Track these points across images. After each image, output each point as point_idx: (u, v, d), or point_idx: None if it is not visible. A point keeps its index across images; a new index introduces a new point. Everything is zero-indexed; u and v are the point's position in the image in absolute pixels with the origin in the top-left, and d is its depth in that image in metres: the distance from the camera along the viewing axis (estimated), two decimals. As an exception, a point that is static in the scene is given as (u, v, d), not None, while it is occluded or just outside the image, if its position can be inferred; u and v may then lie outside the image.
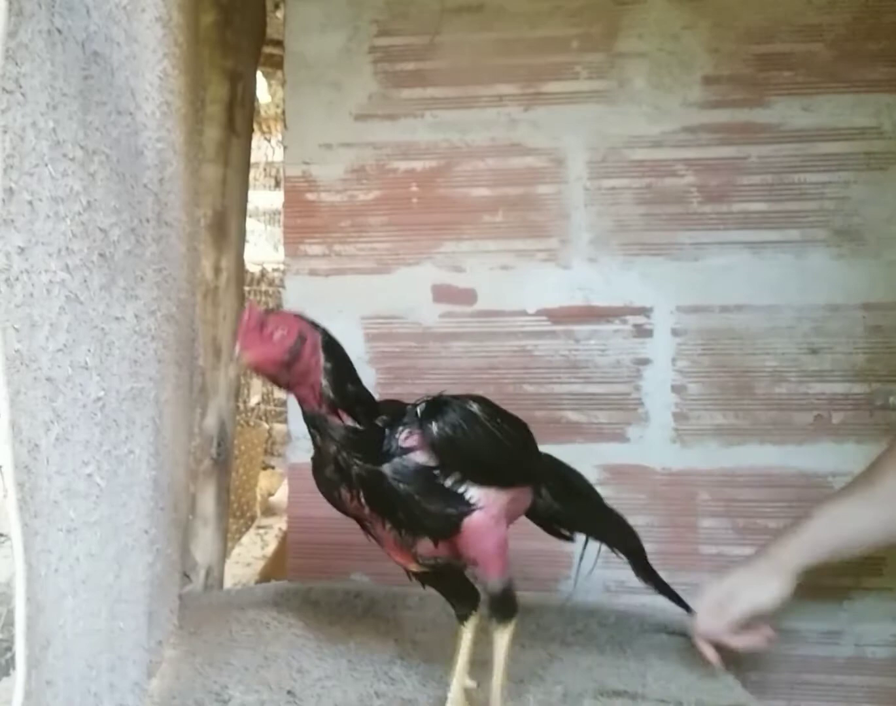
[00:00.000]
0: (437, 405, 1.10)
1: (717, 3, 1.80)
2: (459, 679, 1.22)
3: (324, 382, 1.06)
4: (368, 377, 1.88)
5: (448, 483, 1.09)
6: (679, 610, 1.45)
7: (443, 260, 1.87)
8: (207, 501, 1.90)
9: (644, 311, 1.82)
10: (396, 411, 1.13)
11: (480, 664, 1.27)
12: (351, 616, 1.63)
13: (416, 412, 1.10)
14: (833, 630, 1.78)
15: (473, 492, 1.10)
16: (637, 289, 1.82)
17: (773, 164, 1.79)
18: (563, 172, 1.84)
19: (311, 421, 1.09)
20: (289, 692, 1.29)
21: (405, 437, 1.09)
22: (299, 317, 1.09)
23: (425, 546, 1.12)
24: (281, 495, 4.70)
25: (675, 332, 1.81)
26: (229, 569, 2.42)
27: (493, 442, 1.13)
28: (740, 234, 1.80)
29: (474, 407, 1.13)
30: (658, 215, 1.82)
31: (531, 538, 1.29)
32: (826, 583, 1.76)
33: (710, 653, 1.36)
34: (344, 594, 1.71)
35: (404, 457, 1.08)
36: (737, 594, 1.34)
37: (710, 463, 1.80)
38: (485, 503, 1.11)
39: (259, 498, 4.76)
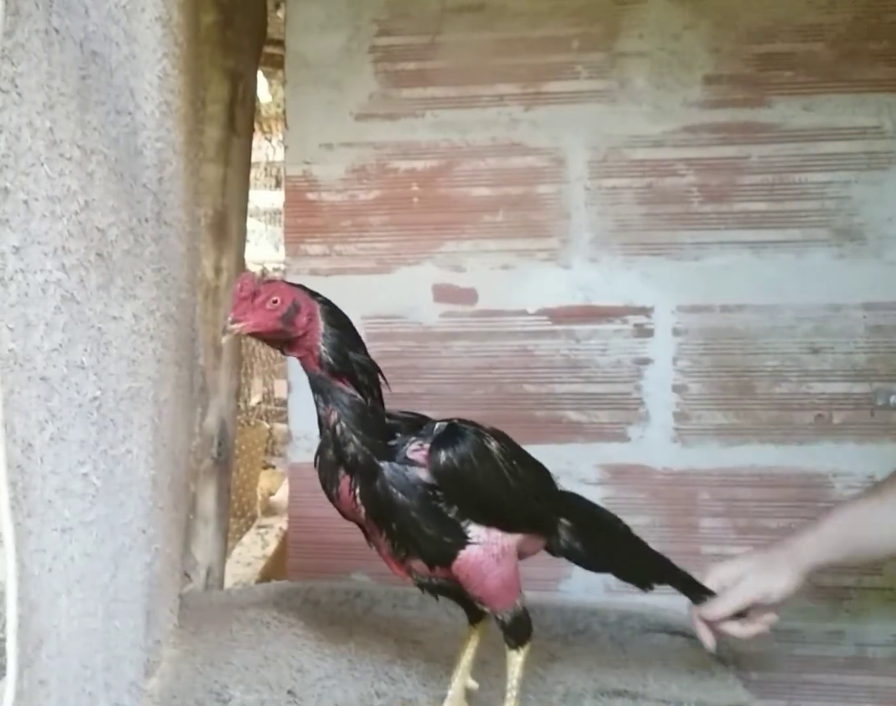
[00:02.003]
0: (453, 431, 1.08)
1: (718, 2, 1.80)
2: (462, 678, 1.21)
3: (323, 348, 1.05)
4: (369, 377, 1.88)
5: (447, 511, 1.07)
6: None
7: (443, 259, 1.87)
8: (208, 501, 1.90)
9: (645, 311, 1.82)
10: (414, 423, 1.11)
11: (481, 663, 1.27)
12: (351, 616, 1.63)
13: (433, 428, 1.08)
14: (834, 630, 1.78)
15: (473, 527, 1.08)
16: (638, 288, 1.82)
17: (773, 164, 1.79)
18: (564, 172, 1.84)
19: (314, 383, 1.07)
20: (289, 692, 1.28)
21: (414, 449, 1.07)
22: (295, 286, 1.08)
23: (420, 566, 1.11)
24: (281, 495, 4.70)
25: (675, 332, 1.81)
26: (230, 569, 2.43)
27: (501, 485, 1.10)
28: (741, 233, 1.80)
29: (492, 443, 1.09)
30: (659, 215, 1.82)
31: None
32: (826, 583, 1.76)
33: (708, 637, 1.29)
34: (344, 594, 1.71)
35: (407, 467, 1.06)
36: (744, 579, 1.27)
37: (711, 462, 1.79)
38: (485, 540, 1.08)
39: (260, 497, 4.75)
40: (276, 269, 6.91)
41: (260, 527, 4.25)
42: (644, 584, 1.29)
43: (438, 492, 1.06)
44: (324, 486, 1.11)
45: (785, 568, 1.27)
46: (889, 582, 1.76)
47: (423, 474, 1.06)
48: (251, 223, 3.29)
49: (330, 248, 1.89)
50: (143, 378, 1.18)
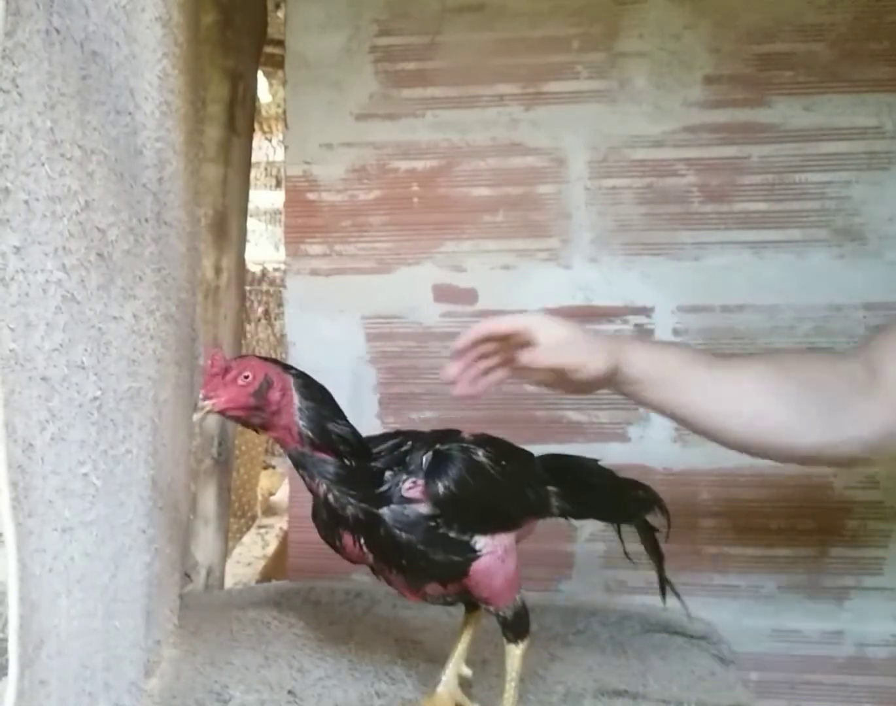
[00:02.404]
0: (441, 459, 1.08)
1: (718, 2, 1.80)
2: (456, 664, 1.22)
3: (300, 422, 1.04)
4: (369, 377, 1.88)
5: (452, 534, 1.08)
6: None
7: (444, 259, 1.87)
8: (208, 501, 1.90)
9: (645, 311, 1.82)
10: (398, 454, 1.10)
11: (481, 663, 1.27)
12: (352, 616, 1.63)
13: (421, 462, 1.08)
14: (834, 630, 1.78)
15: (479, 539, 1.09)
16: (638, 288, 1.82)
17: (774, 164, 1.79)
18: (564, 172, 1.84)
19: (296, 460, 1.07)
20: (289, 692, 1.28)
21: (409, 487, 1.07)
22: (267, 360, 1.08)
23: (434, 588, 1.11)
24: (282, 495, 4.70)
25: (676, 332, 1.81)
26: (230, 569, 2.43)
27: (498, 492, 1.12)
28: (741, 233, 1.80)
29: (479, 454, 1.10)
30: (659, 215, 1.82)
31: (531, 539, 1.28)
32: (826, 584, 1.77)
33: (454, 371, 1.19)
34: (345, 594, 1.71)
35: (406, 506, 1.06)
36: (568, 345, 1.14)
37: (711, 463, 1.79)
38: (491, 547, 1.09)
39: (260, 497, 4.75)
40: (276, 269, 6.93)
41: (260, 527, 4.24)
42: (626, 519, 1.34)
43: (439, 520, 1.07)
44: (325, 539, 1.12)
45: (604, 354, 1.15)
46: (889, 582, 1.76)
47: (422, 508, 1.07)
48: (251, 223, 3.29)
49: (330, 248, 1.89)
50: (143, 378, 1.18)
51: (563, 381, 1.15)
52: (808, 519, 1.79)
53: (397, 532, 1.06)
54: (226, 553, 2.02)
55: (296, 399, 1.05)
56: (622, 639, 1.57)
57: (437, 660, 1.36)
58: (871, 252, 1.76)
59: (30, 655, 0.75)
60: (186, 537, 1.74)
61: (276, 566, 3.33)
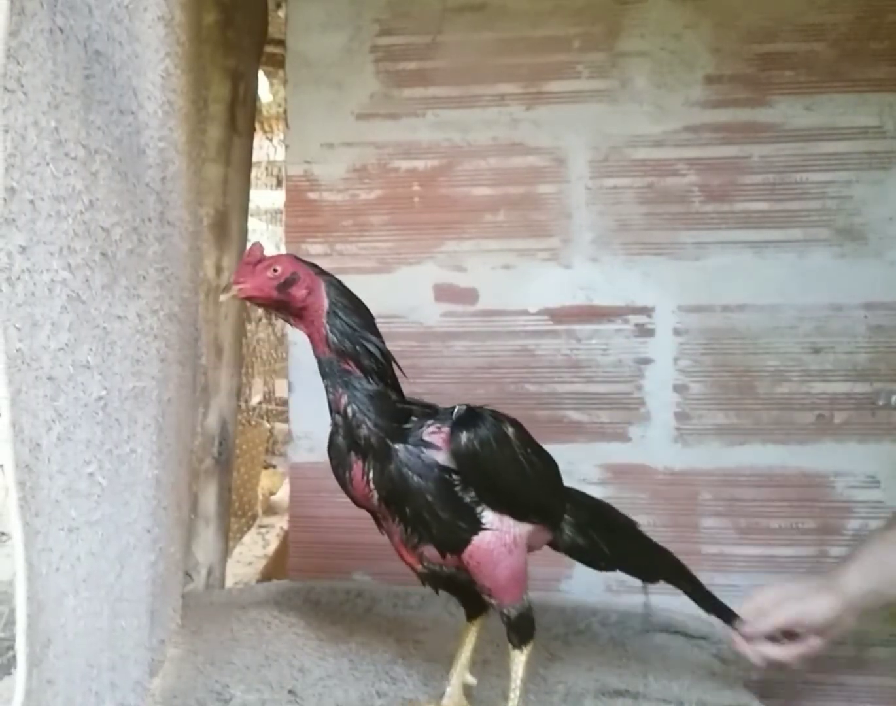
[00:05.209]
0: (473, 415, 1.08)
1: (719, 2, 1.80)
2: (460, 674, 1.21)
3: (327, 326, 1.06)
4: (370, 376, 1.88)
5: (465, 498, 1.07)
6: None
7: (444, 259, 1.87)
8: (209, 500, 1.90)
9: (646, 311, 1.82)
10: (430, 407, 1.12)
11: (482, 662, 1.27)
12: (352, 615, 1.64)
13: (452, 411, 1.08)
14: (834, 630, 1.78)
15: (487, 513, 1.08)
16: (639, 288, 1.82)
17: (775, 164, 1.79)
18: (565, 172, 1.84)
19: (323, 368, 1.08)
20: (290, 691, 1.28)
21: (431, 431, 1.07)
22: (305, 262, 1.09)
23: (432, 552, 1.10)
24: (282, 494, 4.69)
25: (676, 332, 1.81)
26: (231, 569, 2.42)
27: (517, 471, 1.11)
28: (742, 233, 1.80)
29: (510, 430, 1.11)
30: (660, 215, 1.82)
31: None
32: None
33: (755, 656, 1.28)
34: (345, 593, 1.71)
35: (423, 449, 1.06)
36: (783, 602, 1.27)
37: (712, 462, 1.80)
38: (498, 527, 1.08)
39: (260, 497, 4.75)
40: (275, 269, 6.90)
41: (261, 526, 4.24)
42: (649, 580, 1.32)
43: (455, 476, 1.06)
44: (335, 472, 1.12)
45: (824, 593, 1.25)
46: (890, 581, 1.76)
47: (440, 457, 1.06)
48: (252, 222, 3.29)
49: (331, 248, 1.89)
50: (147, 377, 1.18)
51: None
52: (808, 519, 1.79)
53: (408, 472, 1.05)
54: (226, 552, 2.02)
55: (325, 302, 1.06)
56: (622, 639, 1.57)
57: (438, 659, 1.36)
58: (871, 252, 1.77)
59: (37, 654, 0.75)
60: (188, 537, 1.74)
61: (277, 566, 3.33)
